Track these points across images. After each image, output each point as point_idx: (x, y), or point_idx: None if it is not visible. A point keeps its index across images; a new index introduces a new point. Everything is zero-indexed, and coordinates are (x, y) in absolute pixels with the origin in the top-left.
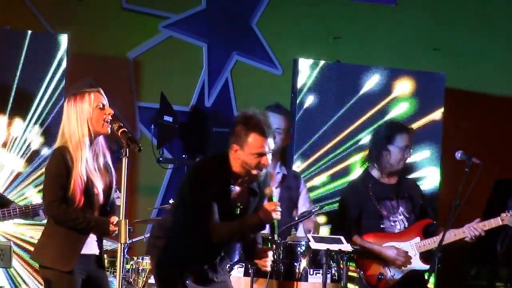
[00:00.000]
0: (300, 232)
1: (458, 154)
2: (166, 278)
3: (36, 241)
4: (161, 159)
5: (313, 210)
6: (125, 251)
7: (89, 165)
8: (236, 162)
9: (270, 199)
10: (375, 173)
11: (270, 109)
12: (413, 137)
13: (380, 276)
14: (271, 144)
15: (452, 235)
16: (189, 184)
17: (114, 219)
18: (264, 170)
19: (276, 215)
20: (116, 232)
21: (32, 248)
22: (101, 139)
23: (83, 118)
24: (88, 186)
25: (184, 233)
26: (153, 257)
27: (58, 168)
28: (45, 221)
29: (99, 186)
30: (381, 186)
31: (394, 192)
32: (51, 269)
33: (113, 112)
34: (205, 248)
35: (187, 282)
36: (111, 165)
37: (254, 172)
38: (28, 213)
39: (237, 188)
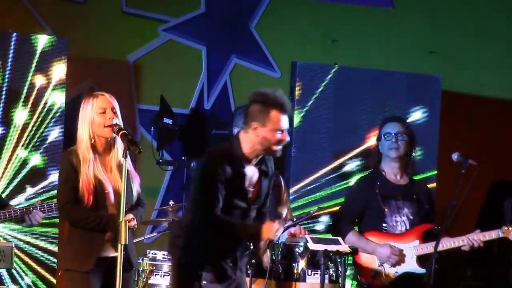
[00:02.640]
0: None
1: (454, 156)
2: (184, 278)
3: (37, 241)
4: (161, 161)
5: (311, 211)
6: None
7: (97, 166)
8: (253, 141)
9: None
10: (385, 169)
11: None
12: (406, 127)
13: (374, 274)
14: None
15: (451, 243)
16: (198, 173)
17: (129, 216)
18: (282, 146)
19: (275, 238)
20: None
21: (33, 249)
22: (118, 141)
23: (86, 122)
24: (97, 186)
25: (202, 226)
26: (173, 256)
27: (66, 171)
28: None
29: (108, 186)
30: (389, 185)
31: (401, 193)
32: (70, 271)
33: (113, 117)
34: (226, 240)
35: (204, 283)
36: (130, 167)
37: (275, 148)
38: (29, 214)
39: (251, 169)
